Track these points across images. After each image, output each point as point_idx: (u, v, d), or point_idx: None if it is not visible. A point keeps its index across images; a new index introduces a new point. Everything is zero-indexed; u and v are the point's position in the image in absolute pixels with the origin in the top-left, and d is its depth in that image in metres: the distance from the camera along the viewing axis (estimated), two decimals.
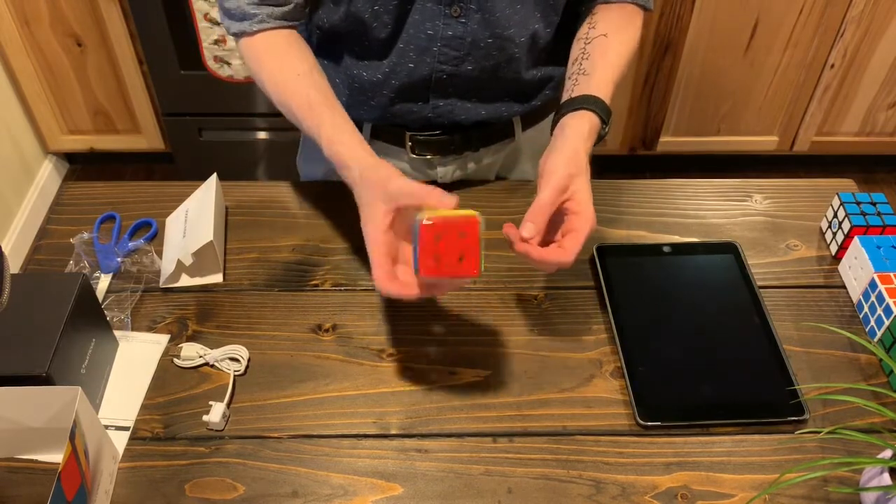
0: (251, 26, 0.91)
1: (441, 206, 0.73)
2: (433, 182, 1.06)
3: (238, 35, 0.92)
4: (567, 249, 0.76)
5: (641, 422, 0.80)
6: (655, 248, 0.97)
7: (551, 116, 1.01)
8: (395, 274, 0.75)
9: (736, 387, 0.83)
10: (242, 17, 0.91)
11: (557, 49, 0.99)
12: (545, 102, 1.04)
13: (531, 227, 0.75)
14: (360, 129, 0.83)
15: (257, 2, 0.90)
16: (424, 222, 0.71)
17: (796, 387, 0.82)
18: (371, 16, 0.91)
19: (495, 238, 0.99)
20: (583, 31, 0.95)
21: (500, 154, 1.09)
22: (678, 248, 0.97)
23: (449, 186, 1.01)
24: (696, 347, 0.87)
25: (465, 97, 0.99)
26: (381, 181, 0.76)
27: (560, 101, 0.89)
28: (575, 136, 0.82)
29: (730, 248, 0.97)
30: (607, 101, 0.86)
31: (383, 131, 1.03)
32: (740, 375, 0.84)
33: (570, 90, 0.88)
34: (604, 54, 0.90)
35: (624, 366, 0.85)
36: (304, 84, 0.87)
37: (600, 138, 0.86)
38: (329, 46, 1.00)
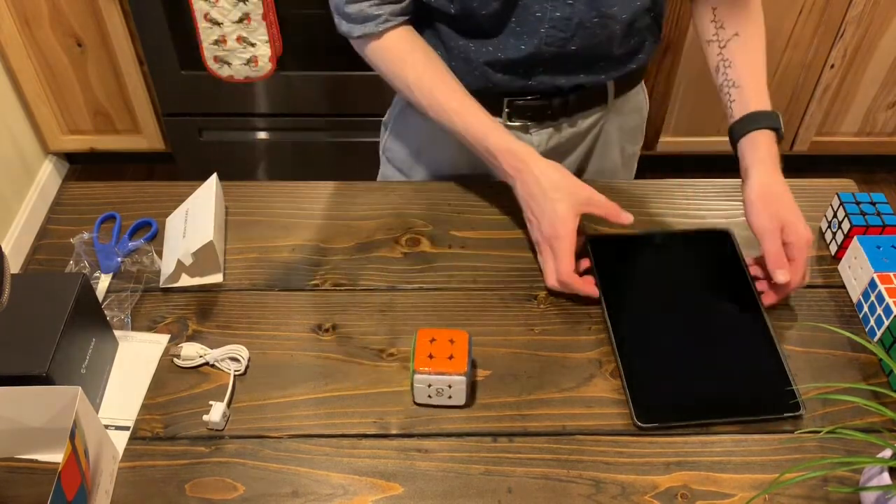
0: (376, 27, 0.93)
1: (620, 221, 0.89)
2: None
3: (362, 37, 0.95)
4: (796, 277, 0.86)
5: (639, 423, 0.80)
6: (648, 238, 0.96)
7: (637, 87, 1.12)
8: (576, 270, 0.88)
9: (732, 384, 0.83)
10: (365, 20, 0.93)
11: (650, 17, 1.01)
12: (638, 66, 1.06)
13: (783, 273, 0.85)
14: None
15: (378, 2, 0.92)
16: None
17: (794, 387, 0.82)
18: (479, 3, 0.91)
19: (504, 237, 0.99)
20: (709, 30, 0.98)
21: (591, 118, 1.09)
22: (671, 238, 0.96)
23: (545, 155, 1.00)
24: (692, 343, 0.86)
25: (566, 71, 1.00)
26: (571, 184, 0.89)
27: (726, 117, 0.96)
28: (763, 173, 0.90)
29: (722, 236, 0.96)
30: (769, 107, 0.92)
31: (480, 98, 1.00)
32: (736, 371, 0.84)
33: (730, 106, 0.94)
34: (746, 60, 0.95)
35: (620, 365, 0.84)
36: (452, 83, 0.96)
37: (778, 141, 0.93)
38: (432, 22, 1.00)
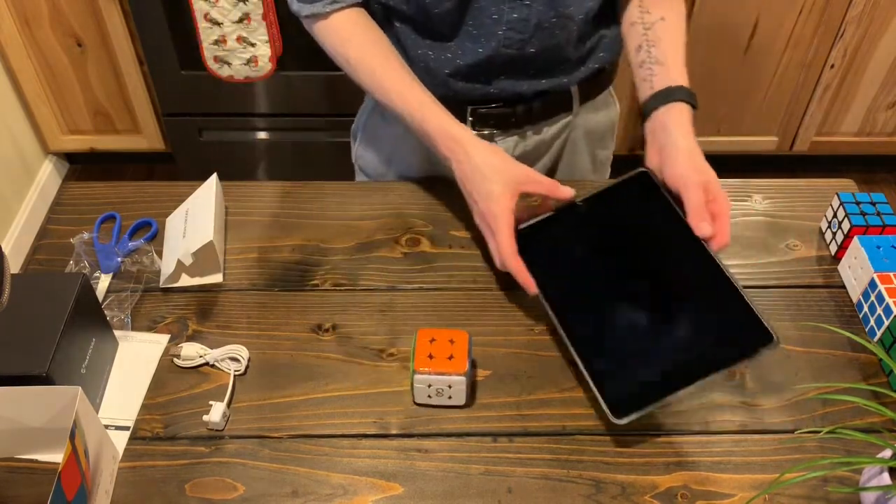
0: (324, 7, 0.93)
1: (560, 196, 0.86)
2: None
3: (310, 17, 0.95)
4: (722, 234, 0.82)
5: (616, 420, 0.76)
6: (570, 210, 0.89)
7: (605, 93, 1.10)
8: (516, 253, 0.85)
9: (698, 340, 0.78)
10: (313, 0, 0.93)
11: (604, 14, 1.01)
12: (601, 66, 1.05)
13: (706, 226, 0.81)
14: None
15: None
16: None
17: (760, 317, 0.76)
18: (432, 1, 0.92)
19: None
20: (635, 14, 0.97)
21: (557, 126, 1.08)
22: (593, 201, 0.89)
23: None
24: (646, 313, 0.82)
25: (526, 75, 1.00)
26: (506, 165, 0.86)
27: (638, 90, 0.94)
28: (684, 135, 0.87)
29: (642, 178, 0.88)
30: (687, 84, 0.92)
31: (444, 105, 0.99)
32: (698, 325, 0.79)
33: (650, 80, 0.92)
34: (671, 40, 0.95)
35: (581, 366, 0.80)
36: (395, 64, 0.94)
37: None
38: (392, 26, 1.00)
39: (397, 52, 0.97)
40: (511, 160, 0.88)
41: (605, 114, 1.13)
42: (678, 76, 0.92)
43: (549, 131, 1.08)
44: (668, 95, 0.90)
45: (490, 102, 1.02)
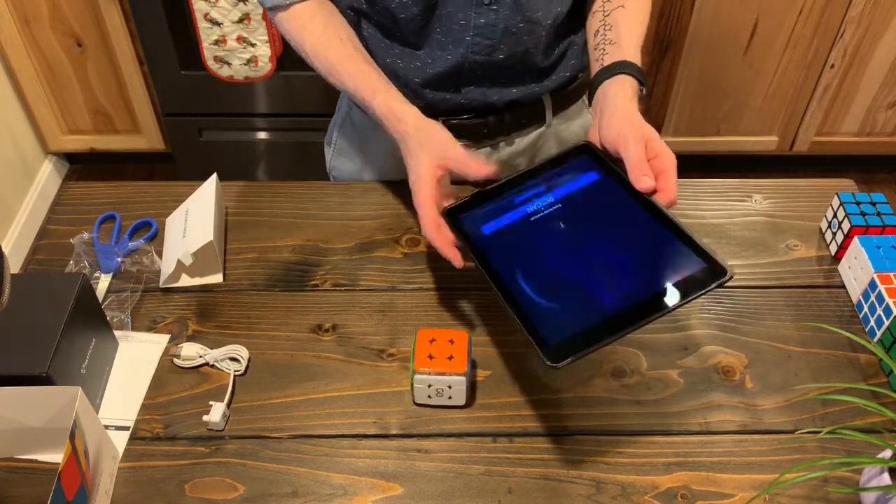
0: None
1: (482, 174, 0.84)
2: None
3: (273, 9, 0.95)
4: (668, 189, 0.79)
5: (552, 364, 0.68)
6: (510, 183, 0.87)
7: (579, 102, 1.10)
8: (441, 226, 0.83)
9: (648, 283, 0.75)
10: None
11: (573, 21, 1.01)
12: (573, 74, 1.05)
13: (647, 179, 0.78)
14: None
15: None
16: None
17: (712, 254, 0.74)
18: (398, 6, 0.91)
19: None
20: (598, 3, 0.97)
21: (530, 137, 1.08)
22: (532, 174, 0.87)
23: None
24: (591, 264, 0.78)
25: (497, 83, 1.00)
26: (439, 142, 0.85)
27: (591, 71, 0.93)
28: (623, 99, 0.85)
29: (585, 149, 0.87)
30: (638, 63, 0.89)
31: None
32: (648, 269, 0.76)
33: (601, 59, 0.91)
34: (627, 24, 0.94)
35: (514, 316, 0.74)
36: (349, 48, 0.93)
37: (640, 99, 0.89)
38: (362, 32, 1.00)
39: (356, 37, 0.95)
40: (446, 139, 0.86)
41: (578, 123, 1.13)
42: (629, 55, 0.90)
43: (521, 142, 1.08)
44: (615, 69, 0.88)
45: (462, 114, 1.02)
